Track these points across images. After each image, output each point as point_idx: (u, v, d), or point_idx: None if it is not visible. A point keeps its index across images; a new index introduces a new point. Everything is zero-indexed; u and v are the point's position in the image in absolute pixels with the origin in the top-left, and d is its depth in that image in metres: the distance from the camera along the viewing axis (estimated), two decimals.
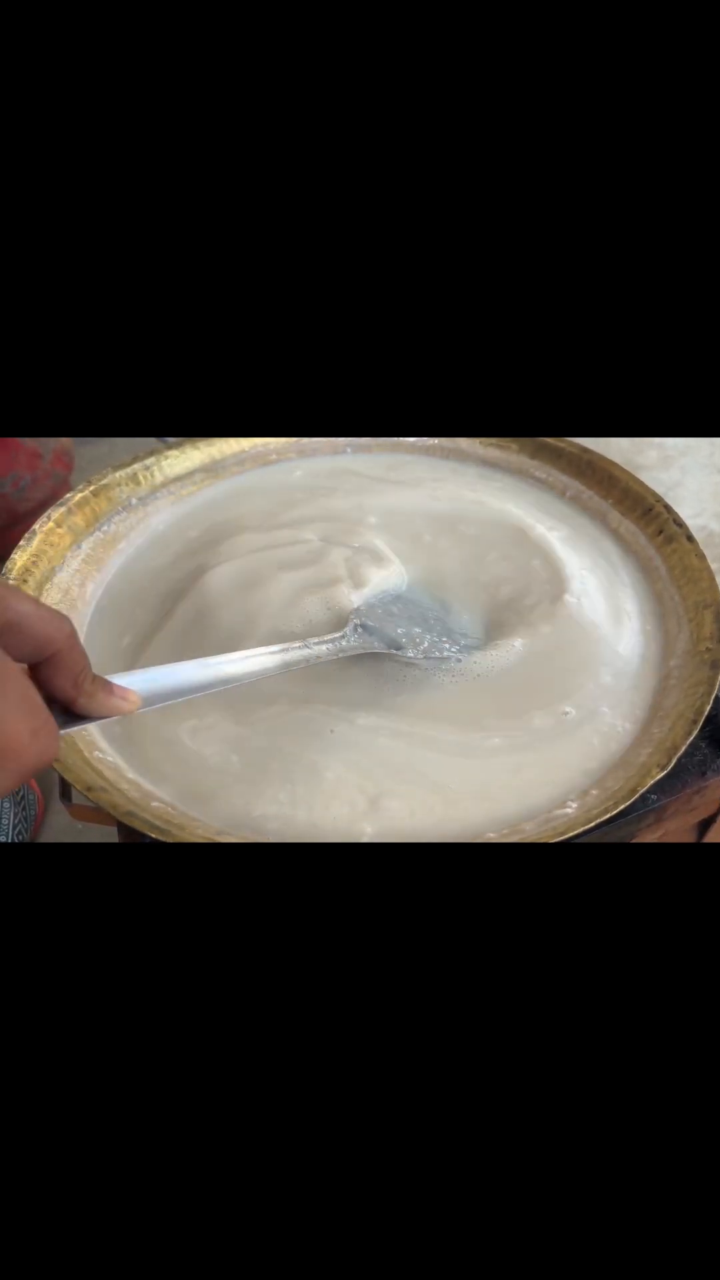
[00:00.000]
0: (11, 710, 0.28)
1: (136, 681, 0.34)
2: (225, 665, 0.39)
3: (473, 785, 0.45)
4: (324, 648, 0.45)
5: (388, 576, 0.54)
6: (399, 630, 0.49)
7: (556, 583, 0.54)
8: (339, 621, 0.49)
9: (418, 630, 0.50)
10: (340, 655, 0.45)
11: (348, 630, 0.47)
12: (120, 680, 0.34)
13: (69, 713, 0.32)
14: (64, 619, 0.31)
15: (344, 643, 0.46)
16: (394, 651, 0.48)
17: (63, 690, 0.31)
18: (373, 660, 0.49)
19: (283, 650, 0.42)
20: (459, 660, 0.49)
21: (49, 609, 0.30)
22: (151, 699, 0.35)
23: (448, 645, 0.50)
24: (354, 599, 0.51)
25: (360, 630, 0.47)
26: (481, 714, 0.48)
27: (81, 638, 0.54)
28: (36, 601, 0.30)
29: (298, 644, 0.44)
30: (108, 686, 0.33)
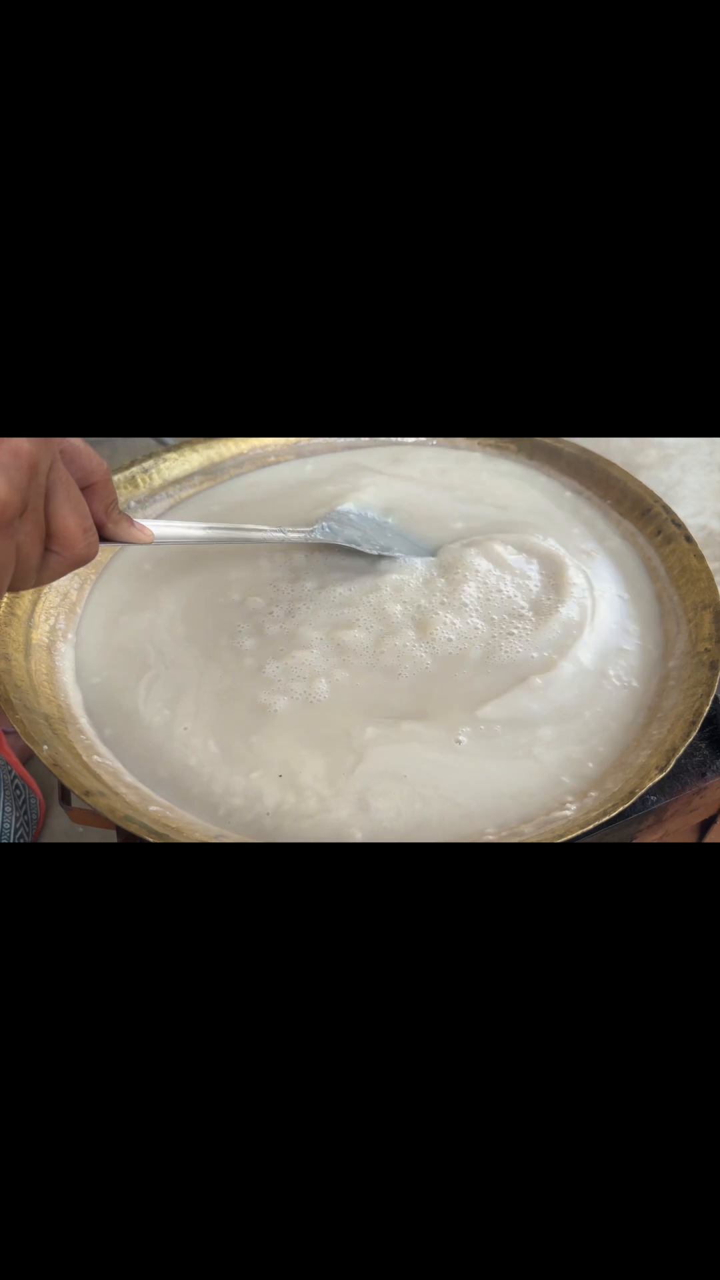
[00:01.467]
0: (72, 510, 0.36)
1: (151, 523, 0.45)
2: (220, 529, 0.51)
3: (471, 784, 0.45)
4: (296, 534, 0.55)
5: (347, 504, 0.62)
6: (357, 533, 0.58)
7: (559, 588, 0.54)
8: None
9: (373, 534, 0.59)
10: (309, 541, 0.56)
11: (316, 527, 0.56)
12: (139, 520, 0.44)
13: (99, 534, 0.40)
14: (101, 461, 0.39)
15: (315, 534, 0.56)
16: (353, 545, 0.56)
17: (97, 513, 0.39)
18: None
19: (262, 530, 0.53)
20: (404, 559, 0.57)
21: (90, 449, 0.38)
22: (162, 539, 0.46)
23: (397, 547, 0.58)
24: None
25: (326, 528, 0.57)
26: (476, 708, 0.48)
27: (82, 637, 0.54)
28: (83, 441, 0.38)
29: (275, 529, 0.54)
30: (130, 519, 0.42)
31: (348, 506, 0.61)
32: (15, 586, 0.36)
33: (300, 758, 0.46)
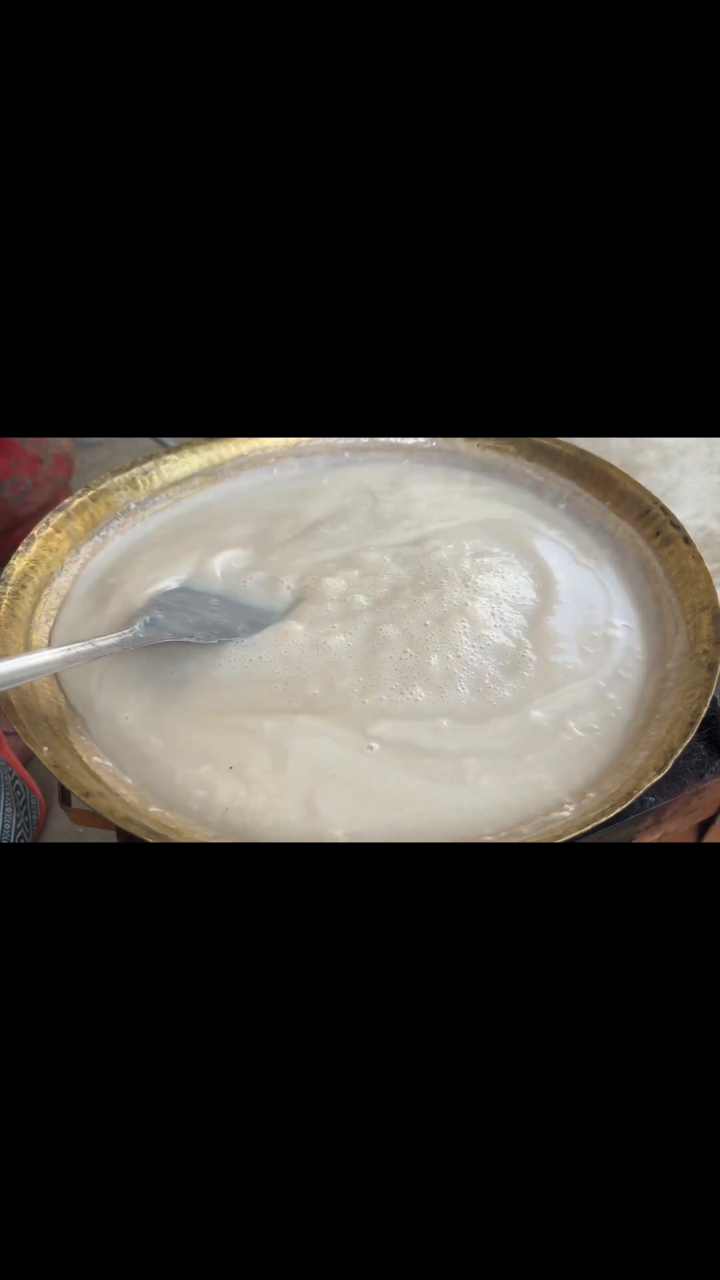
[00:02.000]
0: None
1: None
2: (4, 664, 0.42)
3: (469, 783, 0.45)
4: (107, 642, 0.47)
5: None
6: (190, 620, 0.52)
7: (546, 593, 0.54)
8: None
9: (211, 616, 0.52)
10: (129, 649, 0.48)
11: (136, 627, 0.49)
12: None
13: None
14: None
15: (135, 633, 0.49)
16: (185, 639, 0.49)
17: None
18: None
19: (65, 649, 0.45)
20: (246, 638, 0.51)
21: None
22: None
23: (240, 626, 0.52)
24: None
25: (149, 625, 0.50)
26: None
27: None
28: None
29: (82, 643, 0.46)
30: None
31: (171, 584, 0.55)
32: None
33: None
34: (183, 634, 0.50)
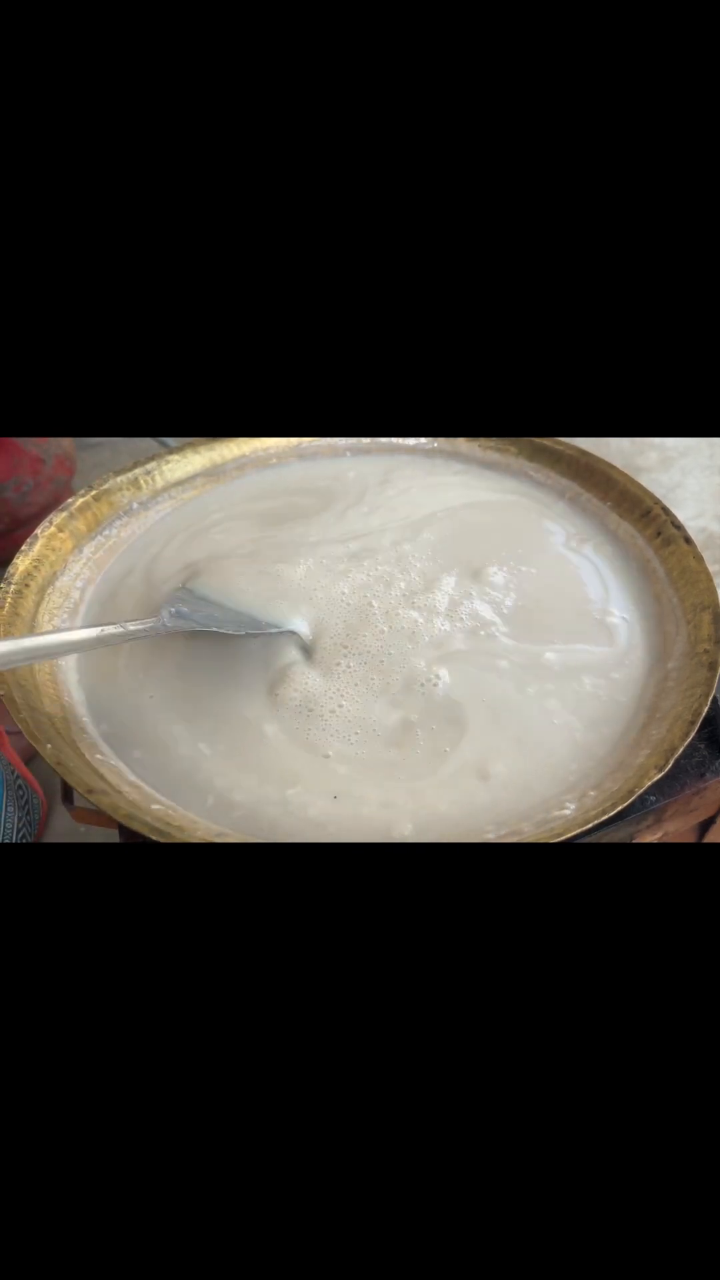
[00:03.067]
0: None
1: None
2: (44, 638, 0.44)
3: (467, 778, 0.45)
4: (138, 625, 0.48)
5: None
6: (216, 615, 0.52)
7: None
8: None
9: (239, 614, 0.53)
10: (159, 634, 0.49)
11: (163, 616, 0.50)
12: None
13: None
14: None
15: (162, 622, 0.49)
16: (215, 629, 0.50)
17: None
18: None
19: (99, 629, 0.47)
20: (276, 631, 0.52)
21: None
22: None
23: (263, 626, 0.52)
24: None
25: (176, 616, 0.50)
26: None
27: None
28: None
29: (114, 625, 0.47)
30: None
31: (192, 585, 0.55)
32: None
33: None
34: (211, 624, 0.50)
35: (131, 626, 0.48)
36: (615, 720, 0.48)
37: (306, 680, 0.49)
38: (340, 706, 0.48)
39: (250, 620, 0.52)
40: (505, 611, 0.53)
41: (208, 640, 0.51)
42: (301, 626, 0.52)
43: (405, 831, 0.43)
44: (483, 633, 0.52)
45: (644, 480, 0.62)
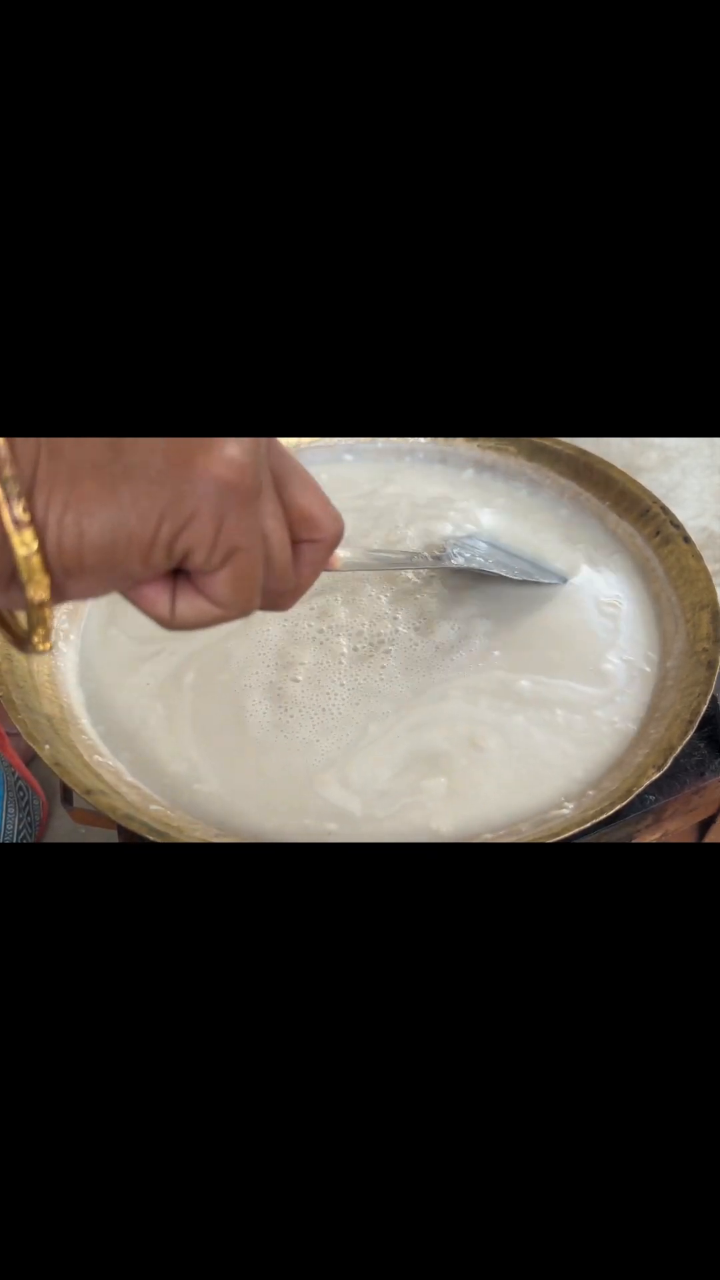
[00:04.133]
0: (306, 488, 0.31)
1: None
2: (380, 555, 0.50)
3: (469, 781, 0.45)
4: (430, 558, 0.53)
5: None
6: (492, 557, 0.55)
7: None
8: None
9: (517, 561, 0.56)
10: (446, 566, 0.52)
11: (449, 550, 0.53)
12: None
13: None
14: (339, 521, 0.32)
15: (453, 559, 0.52)
16: (498, 572, 0.53)
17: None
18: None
19: (408, 555, 0.53)
20: (557, 581, 0.55)
21: (329, 503, 0.32)
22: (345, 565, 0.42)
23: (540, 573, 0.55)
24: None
25: (458, 554, 0.53)
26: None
27: (84, 638, 0.54)
28: (318, 488, 0.32)
29: (425, 554, 0.53)
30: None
31: (470, 530, 0.59)
32: (273, 590, 0.31)
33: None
34: (496, 568, 0.53)
35: (417, 558, 0.52)
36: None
37: (298, 689, 0.49)
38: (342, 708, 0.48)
39: (527, 567, 0.56)
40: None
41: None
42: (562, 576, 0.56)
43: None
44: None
45: (644, 480, 0.62)
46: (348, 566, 0.41)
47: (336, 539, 0.31)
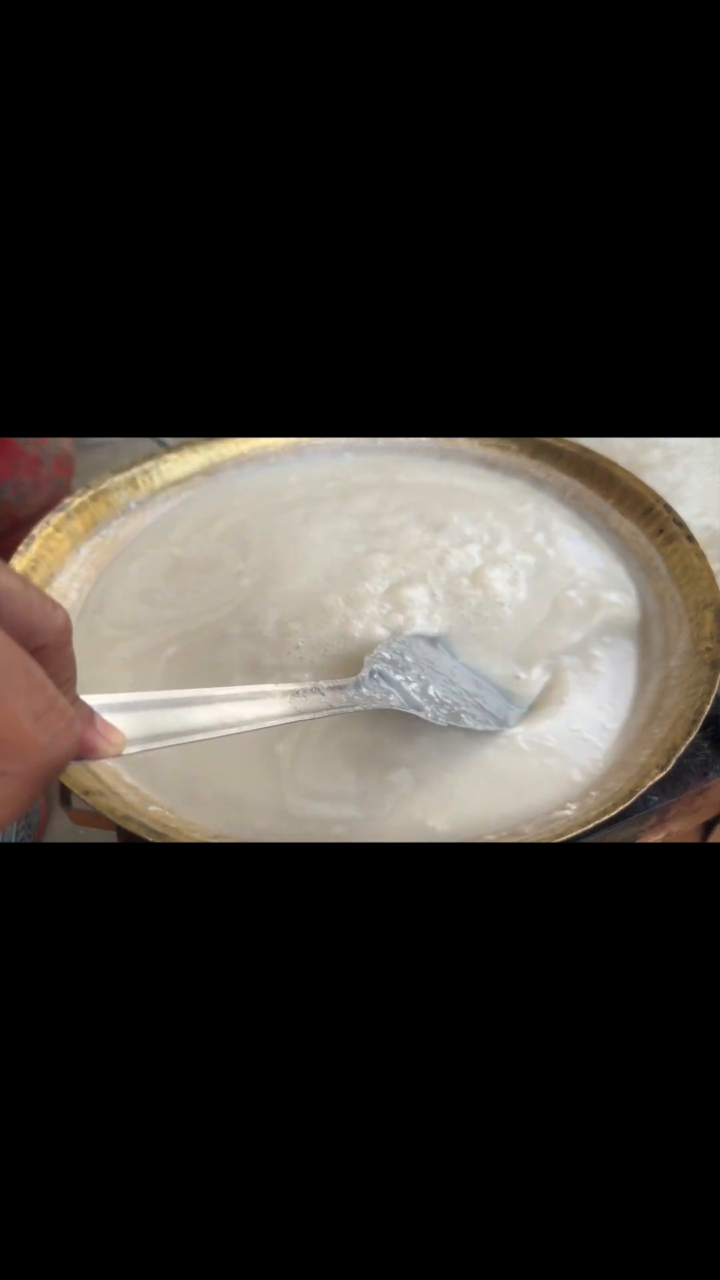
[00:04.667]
0: (9, 690, 0.21)
1: (127, 718, 0.29)
2: (232, 706, 0.33)
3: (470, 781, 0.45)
4: (341, 696, 0.38)
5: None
6: (423, 684, 0.44)
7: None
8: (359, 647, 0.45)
9: (452, 689, 0.45)
10: (353, 709, 0.39)
11: (363, 676, 0.41)
12: (108, 712, 0.28)
13: None
14: (58, 610, 0.25)
15: (358, 693, 0.40)
16: (413, 711, 0.42)
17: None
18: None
19: (292, 694, 0.36)
20: (492, 728, 0.45)
21: (43, 595, 0.25)
22: (142, 739, 0.29)
23: (475, 714, 0.44)
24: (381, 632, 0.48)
25: (378, 678, 0.41)
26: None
27: (85, 638, 0.54)
28: (26, 582, 0.24)
29: (308, 686, 0.37)
30: (89, 715, 0.27)
31: (415, 632, 0.47)
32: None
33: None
34: (413, 703, 0.41)
35: (331, 696, 0.37)
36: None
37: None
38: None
39: (465, 697, 0.42)
40: None
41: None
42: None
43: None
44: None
45: (647, 478, 0.61)
46: (144, 743, 0.29)
47: (45, 767, 0.23)
